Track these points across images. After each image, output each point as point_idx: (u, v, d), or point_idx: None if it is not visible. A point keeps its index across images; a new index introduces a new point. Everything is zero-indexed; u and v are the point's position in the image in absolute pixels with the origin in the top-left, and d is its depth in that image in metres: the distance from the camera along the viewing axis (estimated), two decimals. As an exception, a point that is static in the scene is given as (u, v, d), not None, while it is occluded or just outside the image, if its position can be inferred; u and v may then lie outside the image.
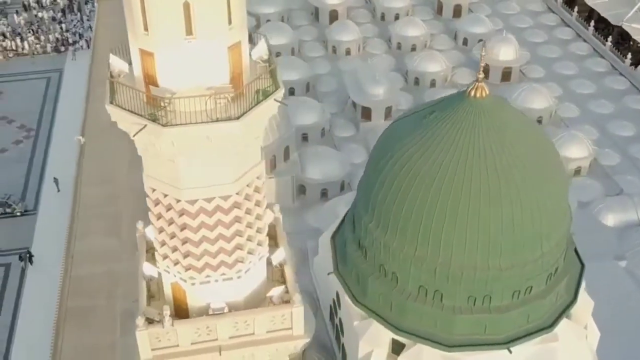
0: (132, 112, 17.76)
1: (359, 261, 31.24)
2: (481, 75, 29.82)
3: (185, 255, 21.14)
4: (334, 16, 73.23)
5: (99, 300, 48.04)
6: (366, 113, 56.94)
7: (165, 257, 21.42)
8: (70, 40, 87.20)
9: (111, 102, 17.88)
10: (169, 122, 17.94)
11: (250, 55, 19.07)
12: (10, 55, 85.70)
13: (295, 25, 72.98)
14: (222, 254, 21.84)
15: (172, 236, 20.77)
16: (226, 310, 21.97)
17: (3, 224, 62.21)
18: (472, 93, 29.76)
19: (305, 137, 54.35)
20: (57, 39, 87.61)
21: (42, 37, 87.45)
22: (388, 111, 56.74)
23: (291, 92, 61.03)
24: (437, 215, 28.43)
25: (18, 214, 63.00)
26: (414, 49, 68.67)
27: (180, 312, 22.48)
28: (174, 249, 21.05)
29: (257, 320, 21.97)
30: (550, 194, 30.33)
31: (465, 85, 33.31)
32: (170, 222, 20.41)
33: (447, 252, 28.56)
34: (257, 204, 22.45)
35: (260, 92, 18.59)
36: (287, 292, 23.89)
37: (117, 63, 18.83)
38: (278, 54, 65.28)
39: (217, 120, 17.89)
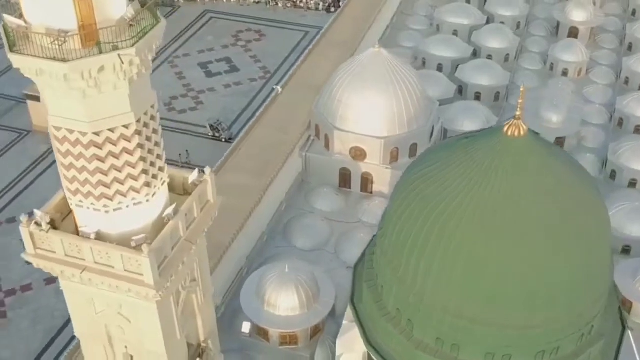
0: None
1: (372, 298, 29.69)
2: (519, 112, 26.59)
3: (97, 186, 22.35)
4: (573, 34, 66.92)
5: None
6: (533, 137, 51.55)
7: (76, 192, 22.68)
8: (342, 3, 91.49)
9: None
10: (19, 51, 19.42)
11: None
12: (288, 5, 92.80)
13: (530, 33, 68.27)
14: (130, 180, 22.39)
15: (83, 170, 22.00)
16: (92, 236, 22.98)
17: (209, 144, 69.15)
18: (508, 130, 26.71)
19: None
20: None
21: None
22: (559, 142, 51.10)
23: (477, 96, 58.27)
24: (451, 262, 25.87)
25: (223, 140, 69.40)
26: (641, 88, 59.53)
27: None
28: (85, 182, 22.30)
29: (112, 255, 22.63)
30: (585, 251, 26.25)
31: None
32: (80, 156, 21.64)
33: (465, 304, 25.98)
34: (154, 131, 22.89)
35: (105, 45, 19.16)
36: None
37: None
38: (489, 57, 62.22)
39: (52, 58, 18.89)
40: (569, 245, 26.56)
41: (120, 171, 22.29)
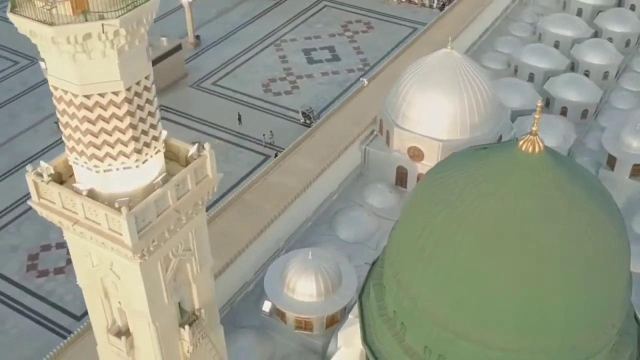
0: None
1: (375, 297, 29.30)
2: (535, 128, 25.39)
3: (88, 146, 23.41)
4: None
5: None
6: (611, 161, 48.39)
7: (72, 150, 23.89)
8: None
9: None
10: (17, 12, 20.55)
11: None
12: (403, 0, 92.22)
13: None
14: (120, 144, 23.31)
15: (76, 129, 23.13)
16: (84, 193, 24.14)
17: (297, 129, 70.24)
18: (522, 145, 25.55)
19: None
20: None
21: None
22: (636, 168, 47.74)
23: (563, 111, 55.60)
24: (445, 272, 25.30)
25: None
26: None
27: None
28: (79, 141, 23.41)
29: (99, 212, 23.66)
30: (587, 282, 24.88)
31: None
32: (74, 116, 23.00)
33: (453, 316, 25.42)
34: (148, 102, 23.52)
35: (93, 14, 20.08)
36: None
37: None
38: (586, 72, 59.07)
39: (41, 21, 20.02)
40: (568, 273, 25.19)
41: (110, 135, 23.43)
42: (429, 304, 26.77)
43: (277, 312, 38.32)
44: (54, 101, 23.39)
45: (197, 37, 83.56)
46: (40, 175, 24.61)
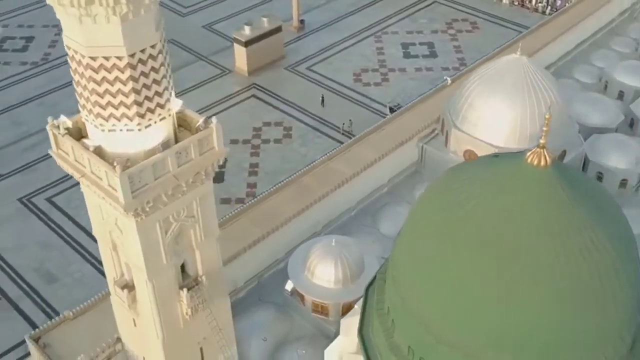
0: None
1: (377, 291, 29.19)
2: (543, 140, 24.40)
3: (95, 105, 24.79)
4: None
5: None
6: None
7: (83, 107, 25.29)
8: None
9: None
10: None
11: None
12: (515, 3, 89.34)
13: None
14: (123, 107, 24.42)
15: (85, 88, 24.48)
16: (91, 149, 25.54)
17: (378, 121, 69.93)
18: (528, 158, 24.64)
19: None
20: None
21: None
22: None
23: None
24: (434, 274, 24.81)
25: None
26: None
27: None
28: (87, 100, 24.74)
29: (100, 168, 25.02)
30: (581, 310, 23.80)
31: None
32: (82, 75, 24.42)
33: (436, 320, 24.91)
34: (153, 70, 24.45)
35: None
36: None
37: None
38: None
39: None
40: (557, 293, 24.15)
41: (114, 97, 24.80)
42: (416, 304, 26.50)
43: (297, 293, 38.89)
44: (68, 59, 25.00)
45: (302, 21, 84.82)
46: (58, 127, 26.40)
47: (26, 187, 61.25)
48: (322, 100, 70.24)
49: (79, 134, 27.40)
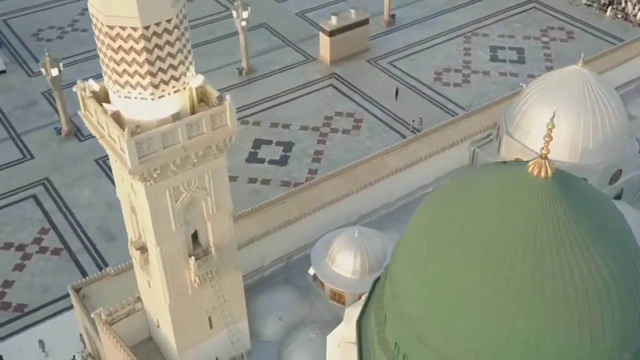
0: None
1: (380, 286, 29.09)
2: (544, 151, 23.67)
3: (112, 72, 26.10)
4: None
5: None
6: None
7: (105, 73, 26.53)
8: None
9: None
10: None
11: None
12: (619, 15, 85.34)
13: None
14: (138, 76, 25.51)
15: (105, 55, 25.78)
16: (109, 113, 26.73)
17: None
18: (530, 168, 23.96)
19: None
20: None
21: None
22: None
23: None
24: (422, 274, 24.53)
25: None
26: None
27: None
28: (107, 66, 26.04)
29: (114, 132, 26.46)
30: (565, 331, 23.07)
31: None
32: (102, 42, 25.69)
33: (419, 319, 24.51)
34: (168, 44, 25.42)
35: None
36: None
37: None
38: None
39: None
40: (538, 309, 23.49)
41: (129, 65, 26.11)
42: (404, 301, 26.44)
43: (319, 279, 39.33)
44: (92, 26, 26.48)
45: (393, 16, 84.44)
46: (84, 90, 28.10)
47: (103, 149, 64.57)
48: (397, 93, 69.91)
49: (104, 98, 28.94)
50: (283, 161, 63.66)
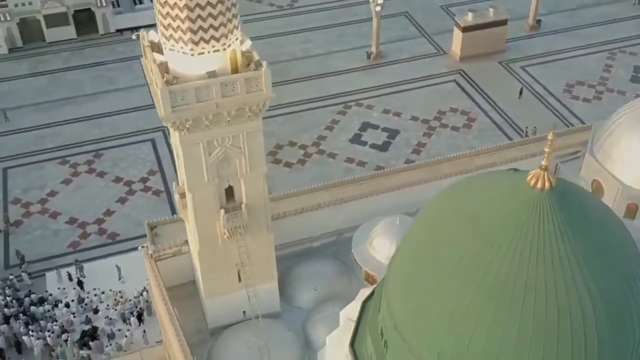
0: None
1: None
2: (545, 162, 22.71)
3: (160, 24, 27.71)
4: None
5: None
6: None
7: (157, 25, 28.68)
8: None
9: None
10: None
11: None
12: None
13: None
14: (180, 31, 27.11)
15: (155, 7, 27.56)
16: (157, 62, 28.77)
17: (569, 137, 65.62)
18: (531, 180, 23.11)
19: None
20: None
21: None
22: None
23: None
24: (407, 279, 24.47)
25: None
26: None
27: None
28: (158, 18, 27.76)
29: (157, 80, 28.61)
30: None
31: None
32: (155, -1, 28.01)
33: (401, 319, 24.39)
34: (210, 5, 27.00)
35: None
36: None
37: None
38: None
39: None
40: (508, 327, 22.68)
41: (173, 20, 28.04)
42: (391, 293, 26.53)
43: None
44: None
45: (538, 21, 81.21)
46: (144, 39, 30.56)
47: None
48: (521, 93, 67.58)
49: (159, 49, 31.03)
50: (384, 147, 64.04)
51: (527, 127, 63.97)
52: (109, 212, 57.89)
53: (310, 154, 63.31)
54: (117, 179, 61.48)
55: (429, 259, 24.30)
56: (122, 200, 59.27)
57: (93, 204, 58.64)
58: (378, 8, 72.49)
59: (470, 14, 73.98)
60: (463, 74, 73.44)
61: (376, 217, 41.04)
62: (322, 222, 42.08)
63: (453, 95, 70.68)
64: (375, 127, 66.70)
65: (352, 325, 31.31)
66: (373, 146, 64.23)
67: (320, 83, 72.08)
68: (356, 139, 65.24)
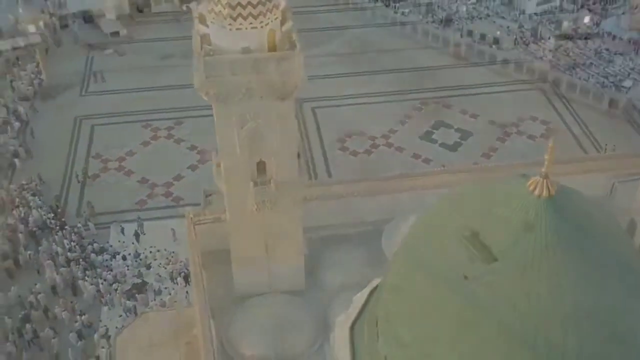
0: None
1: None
2: (545, 169, 22.12)
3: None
4: None
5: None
6: None
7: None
8: None
9: None
10: None
11: None
12: None
13: None
14: (220, 5, 28.70)
15: None
16: (200, 33, 30.48)
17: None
18: (530, 186, 22.64)
19: None
20: None
21: None
22: None
23: None
24: (399, 284, 24.01)
25: None
26: None
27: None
28: None
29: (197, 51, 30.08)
30: None
31: None
32: (198, -30, 29.22)
33: (393, 323, 24.04)
34: None
35: None
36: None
37: None
38: None
39: None
40: (481, 338, 22.46)
41: (213, -4, 29.33)
42: (384, 288, 26.71)
43: (389, 251, 39.96)
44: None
45: None
46: (195, 12, 32.06)
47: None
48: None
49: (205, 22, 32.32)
50: (454, 148, 63.27)
51: (606, 145, 61.20)
52: (178, 177, 60.51)
53: (377, 145, 63.43)
54: (192, 147, 64.02)
55: (418, 258, 23.93)
56: (192, 168, 61.75)
57: (166, 167, 61.43)
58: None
59: (565, 22, 71.42)
60: (554, 84, 71.04)
61: (412, 213, 40.92)
62: (359, 211, 42.40)
63: (537, 103, 68.68)
64: (449, 126, 65.93)
65: (357, 310, 31.56)
66: (443, 145, 63.54)
67: (402, 77, 71.76)
68: (427, 136, 64.77)
